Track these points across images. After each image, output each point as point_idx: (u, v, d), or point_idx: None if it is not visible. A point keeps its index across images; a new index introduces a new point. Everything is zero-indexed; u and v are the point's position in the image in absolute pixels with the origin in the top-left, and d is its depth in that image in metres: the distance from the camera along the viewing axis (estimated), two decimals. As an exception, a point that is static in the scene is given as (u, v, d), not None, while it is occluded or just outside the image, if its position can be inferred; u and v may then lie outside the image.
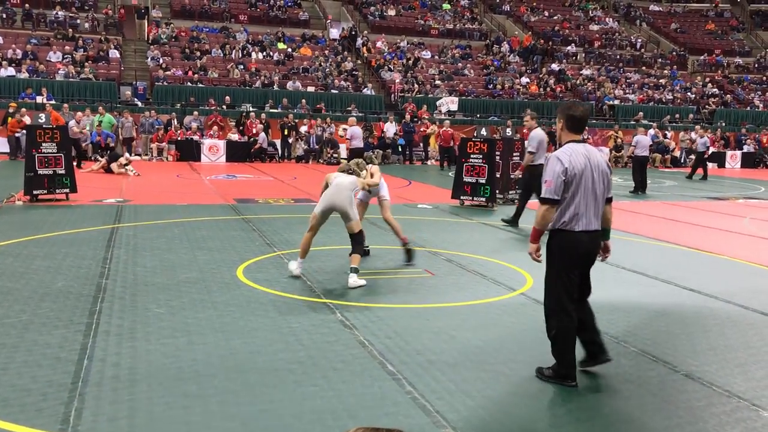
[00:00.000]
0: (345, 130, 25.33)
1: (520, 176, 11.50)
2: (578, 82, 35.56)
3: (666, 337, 5.75)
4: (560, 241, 4.50)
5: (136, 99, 26.72)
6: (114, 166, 18.05)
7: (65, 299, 6.21)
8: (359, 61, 33.92)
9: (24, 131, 20.71)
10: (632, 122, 31.52)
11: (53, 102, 24.19)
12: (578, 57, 38.63)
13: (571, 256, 4.49)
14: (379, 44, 34.70)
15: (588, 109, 4.63)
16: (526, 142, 11.62)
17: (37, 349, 4.92)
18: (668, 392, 4.61)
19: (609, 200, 4.68)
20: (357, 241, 7.13)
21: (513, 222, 11.15)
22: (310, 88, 29.39)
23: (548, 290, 4.62)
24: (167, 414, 4.00)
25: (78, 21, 31.02)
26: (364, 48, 34.17)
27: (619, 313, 6.33)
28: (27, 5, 31.12)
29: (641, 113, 32.35)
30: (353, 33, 35.35)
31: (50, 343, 5.05)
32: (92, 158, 20.92)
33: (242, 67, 29.90)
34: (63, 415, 3.90)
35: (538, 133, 11.11)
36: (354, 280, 6.92)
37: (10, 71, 25.96)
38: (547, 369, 4.66)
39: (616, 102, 33.95)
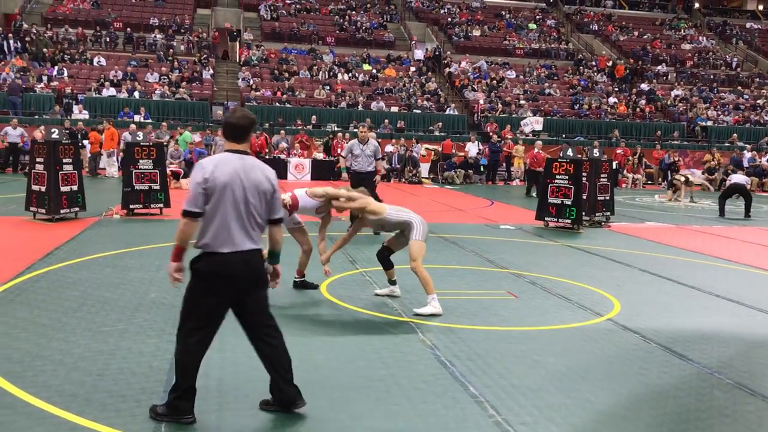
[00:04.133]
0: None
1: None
2: (669, 102, 34.48)
3: (765, 370, 5.47)
4: (203, 263, 4.16)
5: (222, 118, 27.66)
6: (183, 182, 18.66)
7: (158, 309, 6.46)
8: (443, 80, 34.01)
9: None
10: (726, 144, 30.27)
11: (149, 121, 25.37)
12: (669, 77, 37.48)
13: (215, 279, 4.15)
14: (463, 64, 34.73)
15: (248, 114, 4.10)
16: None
17: (132, 357, 5.14)
18: (767, 428, 4.37)
19: (275, 221, 4.28)
20: None
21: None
22: (394, 108, 29.69)
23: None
24: (253, 426, 4.09)
25: (174, 43, 32.53)
26: (455, 66, 34.20)
27: (714, 343, 6.05)
28: (128, 29, 32.92)
29: (735, 135, 31.03)
30: (437, 53, 35.53)
31: (143, 352, 5.27)
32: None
33: (328, 88, 30.54)
34: (155, 422, 4.06)
35: (375, 143, 12.18)
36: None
37: (112, 91, 27.45)
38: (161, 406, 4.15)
39: (709, 123, 32.67)
